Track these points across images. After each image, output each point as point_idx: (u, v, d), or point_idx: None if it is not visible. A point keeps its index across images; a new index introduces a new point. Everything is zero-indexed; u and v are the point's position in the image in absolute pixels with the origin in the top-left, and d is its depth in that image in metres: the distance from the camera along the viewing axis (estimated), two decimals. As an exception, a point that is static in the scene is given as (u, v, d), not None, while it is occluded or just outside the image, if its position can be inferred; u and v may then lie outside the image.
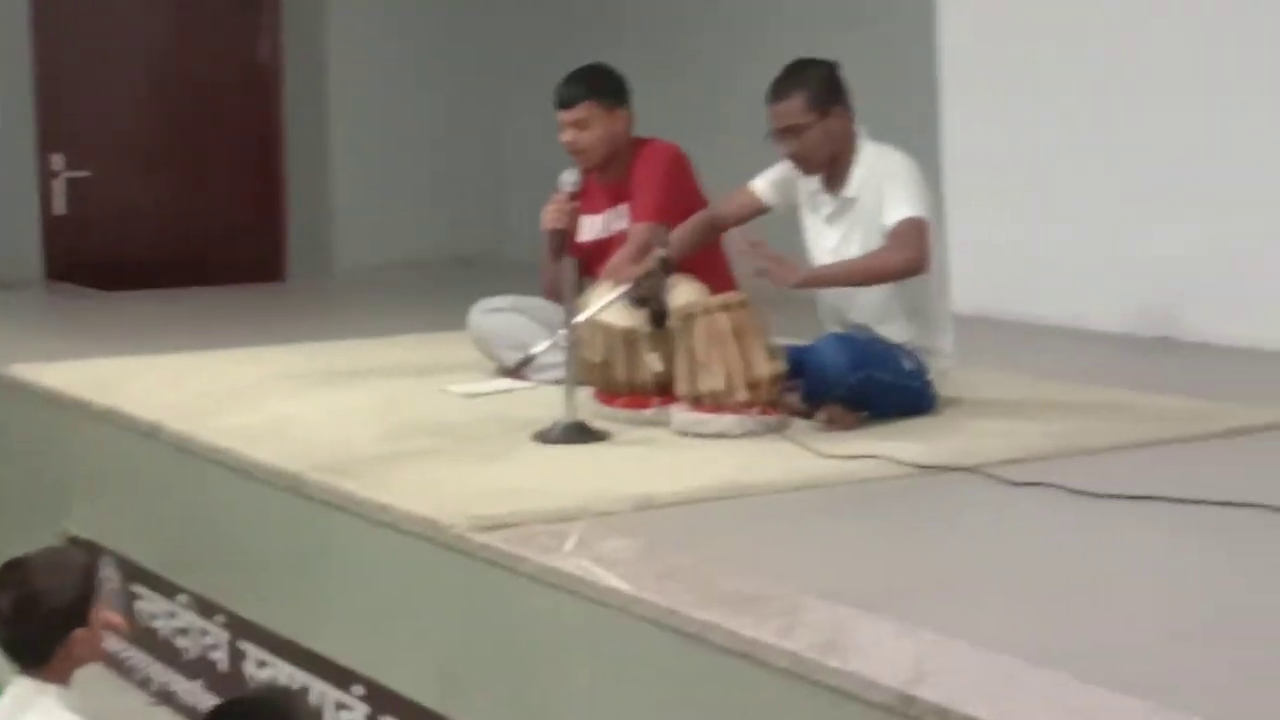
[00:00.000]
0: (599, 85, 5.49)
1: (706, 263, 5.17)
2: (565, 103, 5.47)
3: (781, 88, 4.82)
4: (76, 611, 3.19)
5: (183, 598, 4.95)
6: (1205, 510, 3.75)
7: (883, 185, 4.73)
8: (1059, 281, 6.97)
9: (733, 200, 5.10)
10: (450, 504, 3.86)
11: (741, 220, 5.07)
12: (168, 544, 5.09)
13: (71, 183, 9.66)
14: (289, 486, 4.36)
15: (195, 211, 10.07)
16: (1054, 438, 4.54)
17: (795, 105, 4.77)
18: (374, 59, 10.21)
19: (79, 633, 3.19)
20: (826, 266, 4.79)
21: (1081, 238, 6.89)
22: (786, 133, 4.78)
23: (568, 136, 5.46)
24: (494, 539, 3.64)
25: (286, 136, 10.29)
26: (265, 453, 4.56)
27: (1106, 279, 6.77)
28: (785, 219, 5.03)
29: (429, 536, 3.80)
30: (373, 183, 10.22)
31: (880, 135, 4.91)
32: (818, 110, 4.77)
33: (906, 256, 4.63)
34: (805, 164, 4.83)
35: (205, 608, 4.82)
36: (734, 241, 4.62)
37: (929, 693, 2.64)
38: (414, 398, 5.32)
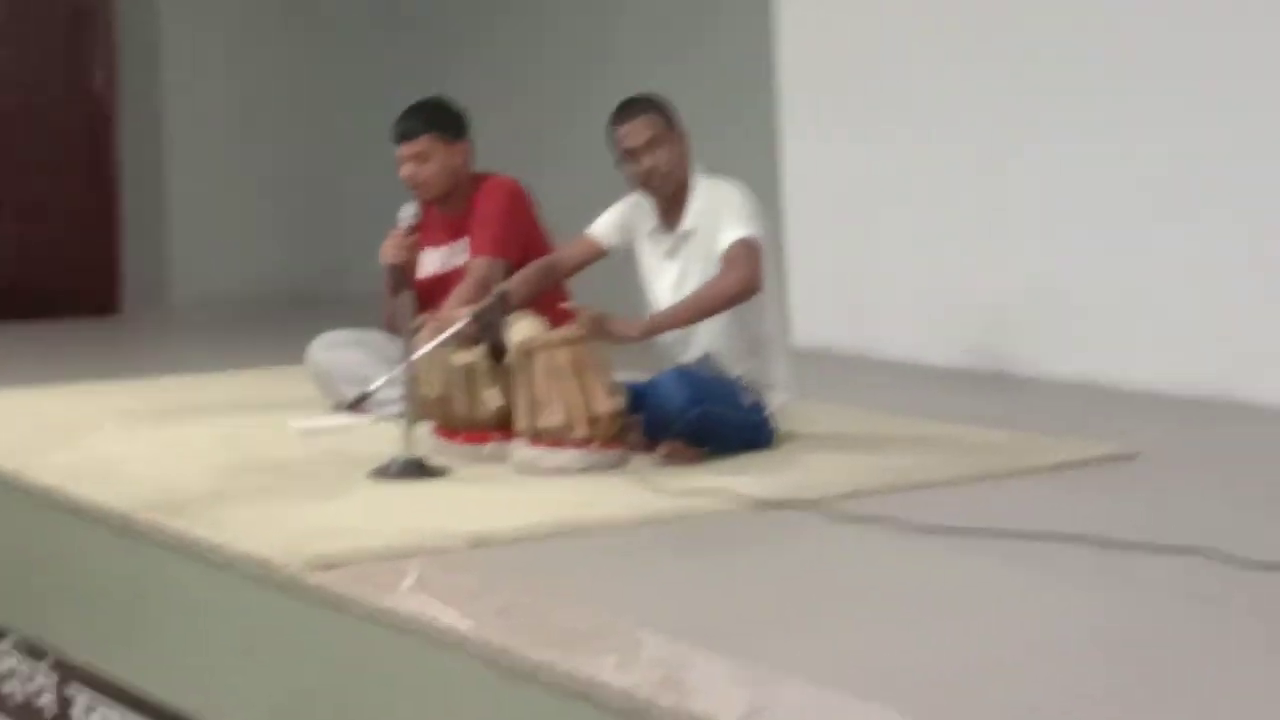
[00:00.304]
0: (438, 119, 5.48)
1: (548, 299, 5.17)
2: (404, 136, 5.45)
3: (629, 109, 4.88)
4: None
5: (9, 639, 4.83)
6: (1035, 543, 3.81)
7: (718, 215, 4.78)
8: (896, 316, 7.07)
9: (572, 247, 5.14)
10: (284, 543, 3.80)
11: (581, 266, 5.12)
12: (-7, 585, 4.97)
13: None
14: (118, 525, 4.28)
15: (27, 243, 9.88)
16: (890, 472, 4.59)
17: (652, 120, 4.84)
18: (211, 90, 10.12)
19: None
20: (664, 312, 4.82)
21: (919, 273, 7.00)
22: (647, 147, 4.81)
23: (407, 170, 5.44)
24: (329, 578, 3.59)
25: (121, 167, 10.14)
26: (94, 491, 4.47)
27: (943, 315, 6.88)
28: (623, 265, 5.05)
29: (263, 576, 3.74)
30: (210, 214, 10.11)
31: (720, 169, 4.97)
32: (670, 128, 4.83)
33: (740, 277, 4.68)
34: (665, 179, 4.85)
35: (32, 650, 4.71)
36: (571, 327, 4.65)
37: (763, 729, 2.65)
38: (250, 434, 5.26)
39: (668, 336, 4.90)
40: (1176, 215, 6.08)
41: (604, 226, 5.06)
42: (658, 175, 4.85)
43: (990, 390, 6.36)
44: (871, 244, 7.21)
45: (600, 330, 4.63)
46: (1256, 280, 5.85)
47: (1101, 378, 6.20)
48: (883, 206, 7.16)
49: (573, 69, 9.00)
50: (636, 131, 4.83)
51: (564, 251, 5.18)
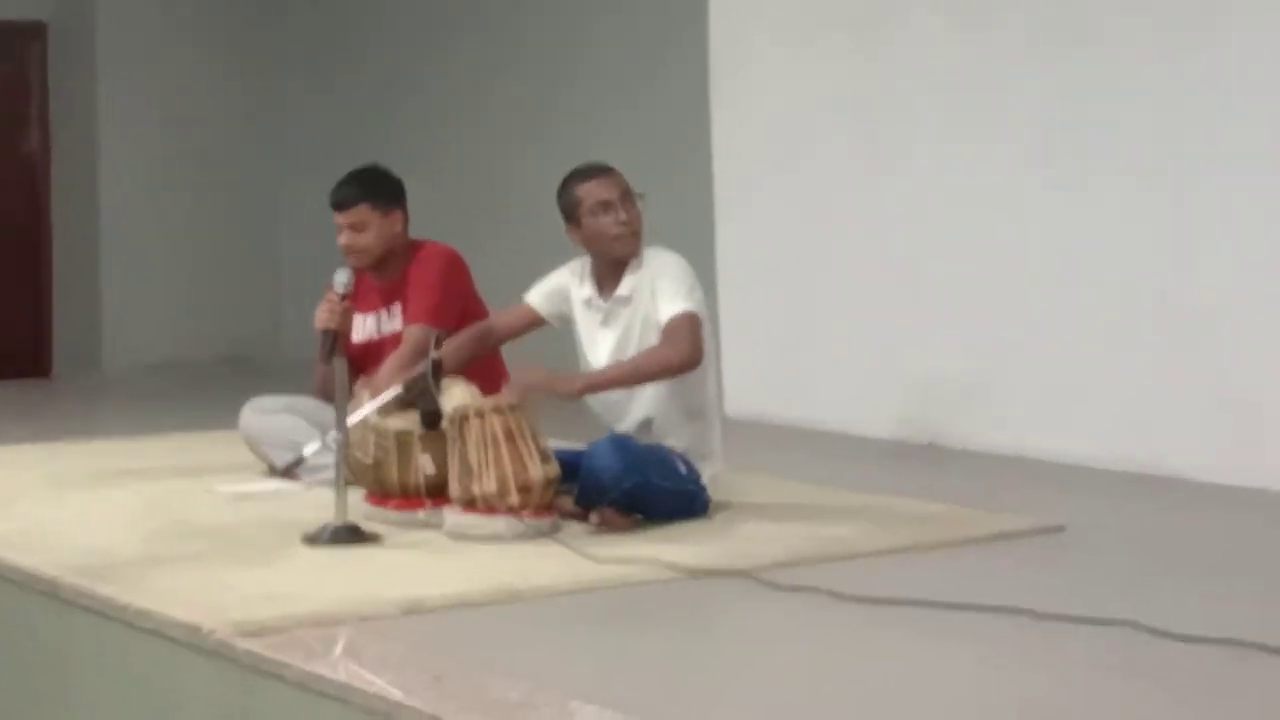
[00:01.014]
0: (374, 187, 5.50)
1: (483, 365, 5.17)
2: (341, 205, 5.47)
3: (591, 168, 4.92)
4: None
5: (-69, 707, 4.75)
6: (965, 614, 3.83)
7: (656, 283, 4.81)
8: (829, 387, 7.11)
9: (508, 314, 5.16)
10: (214, 608, 3.77)
11: (516, 333, 5.15)
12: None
13: None
14: (45, 591, 4.23)
15: (-43, 305, 9.80)
16: (822, 542, 4.60)
17: (618, 178, 4.89)
18: (146, 153, 10.09)
19: None
20: (604, 370, 4.83)
21: (852, 345, 7.04)
22: (616, 202, 4.84)
23: (344, 239, 5.46)
24: (258, 645, 3.56)
25: (54, 229, 10.08)
26: (22, 556, 4.42)
27: (875, 387, 6.92)
28: (563, 331, 5.07)
29: (191, 643, 3.71)
30: (143, 278, 10.06)
31: (657, 238, 4.99)
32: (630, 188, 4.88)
33: (681, 352, 4.70)
34: (631, 239, 4.86)
35: (-45, 717, 4.64)
36: (505, 394, 4.65)
37: (694, 799, 2.64)
38: (180, 499, 5.23)
39: (603, 403, 4.91)
40: (1100, 288, 6.15)
41: (539, 294, 5.08)
42: (634, 230, 4.87)
43: (921, 462, 6.39)
44: (805, 315, 7.26)
45: (537, 387, 4.62)
46: (1178, 355, 5.92)
47: (1030, 450, 6.25)
48: (817, 278, 7.21)
49: (509, 134, 9.03)
50: (613, 184, 4.87)
51: (500, 318, 5.19)
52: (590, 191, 4.88)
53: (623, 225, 4.86)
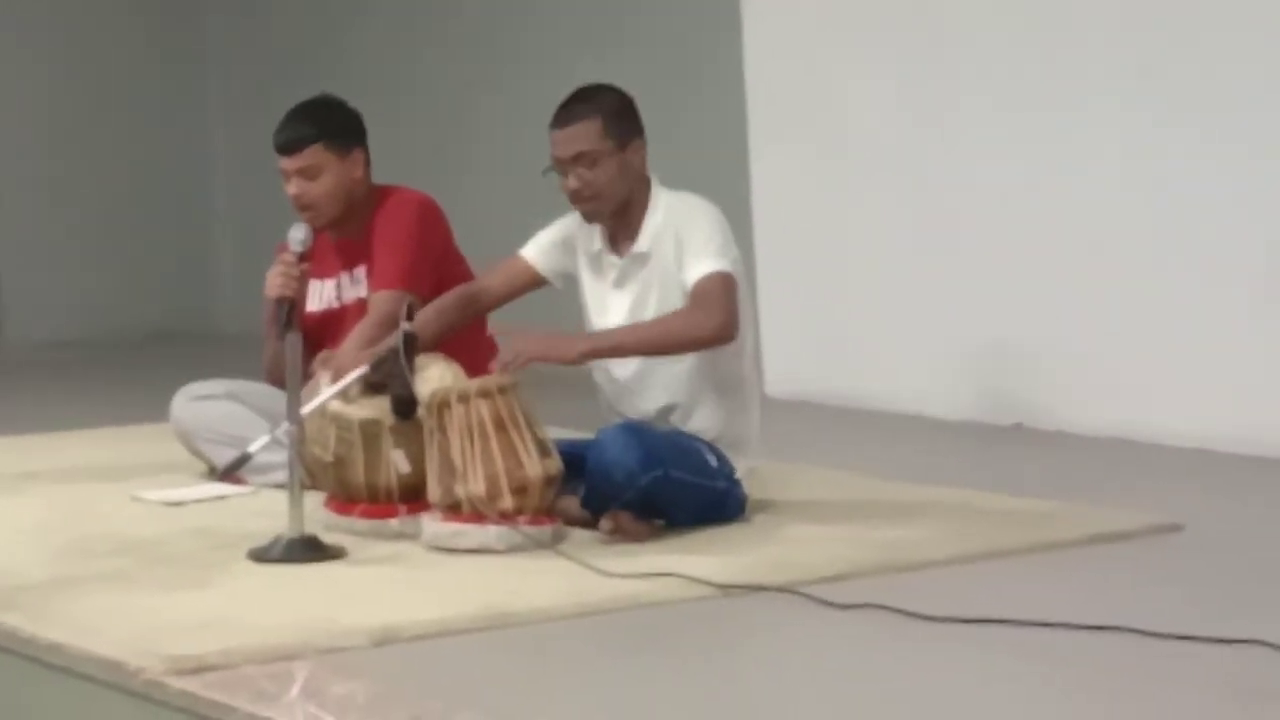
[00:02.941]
0: (329, 124, 5.49)
1: (466, 338, 5.19)
2: (288, 147, 5.45)
3: (571, 110, 4.88)
4: None
5: None
6: (1057, 634, 3.84)
7: (681, 236, 4.80)
8: (886, 360, 7.11)
9: (498, 272, 5.12)
10: (141, 641, 3.80)
11: (511, 295, 5.12)
12: None
13: None
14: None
15: None
16: (883, 549, 4.62)
17: (590, 129, 4.83)
18: (49, 92, 10.11)
19: None
20: (613, 331, 4.84)
21: (917, 308, 7.05)
22: (576, 162, 4.81)
23: (294, 189, 5.45)
24: (195, 684, 3.59)
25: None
26: (-93, 579, 4.46)
27: (947, 356, 6.93)
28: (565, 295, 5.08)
29: (113, 682, 3.73)
30: (46, 244, 10.09)
31: (684, 182, 4.99)
32: (615, 138, 4.83)
33: (713, 322, 4.70)
34: (594, 204, 4.86)
35: None
36: (494, 376, 4.66)
37: None
38: (99, 507, 5.27)
39: (614, 384, 4.92)
40: (1216, 241, 6.16)
41: (538, 247, 5.07)
42: (582, 199, 4.86)
43: (1005, 447, 6.41)
44: (858, 274, 7.27)
45: (533, 355, 4.63)
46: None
47: (1139, 433, 6.25)
48: (869, 236, 7.21)
49: (485, 55, 9.01)
50: (565, 141, 4.84)
51: (487, 279, 5.17)
52: (552, 146, 4.86)
53: (571, 192, 4.85)
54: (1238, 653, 3.68)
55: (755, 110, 7.56)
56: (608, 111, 4.87)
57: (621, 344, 4.80)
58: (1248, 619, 3.87)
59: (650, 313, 4.84)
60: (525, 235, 5.11)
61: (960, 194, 6.92)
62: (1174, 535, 4.86)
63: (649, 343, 4.78)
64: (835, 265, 7.35)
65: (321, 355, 5.12)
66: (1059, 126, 6.59)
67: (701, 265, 4.75)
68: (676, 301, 4.79)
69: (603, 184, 4.84)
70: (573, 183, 4.84)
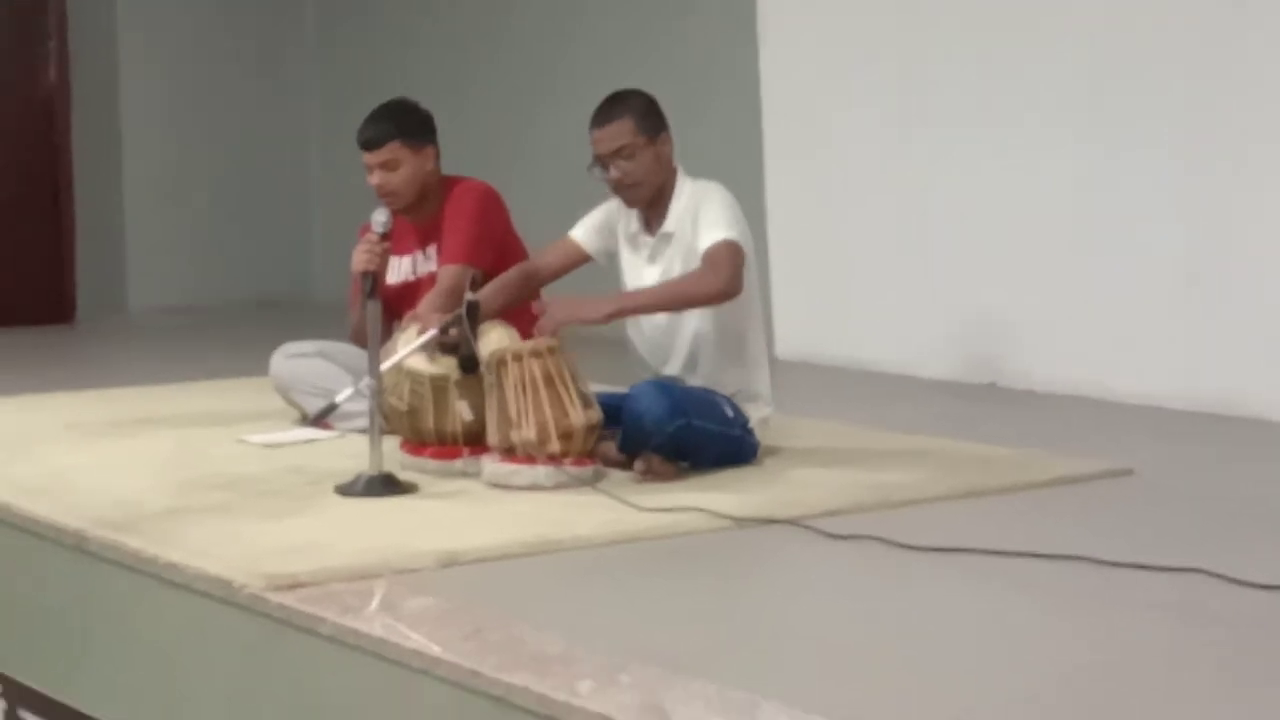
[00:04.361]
0: (405, 123, 5.47)
1: (522, 307, 5.16)
2: (370, 144, 5.44)
3: (607, 112, 4.85)
4: None
5: (-44, 664, 4.81)
6: (1028, 563, 3.82)
7: (698, 214, 4.79)
8: (882, 325, 7.09)
9: (551, 251, 5.10)
10: (244, 562, 3.79)
11: (563, 271, 5.10)
12: (-60, 606, 4.95)
13: None
14: (72, 544, 4.26)
15: (-23, 250, 9.87)
16: (875, 488, 4.60)
17: (624, 128, 4.81)
18: (169, 90, 10.12)
19: None
20: (637, 292, 4.82)
21: (905, 281, 7.02)
22: (615, 156, 4.80)
23: (376, 179, 5.43)
24: (291, 598, 3.58)
25: (75, 171, 10.12)
26: (47, 507, 4.45)
27: (932, 324, 6.91)
28: (608, 272, 5.05)
29: (221, 597, 3.73)
30: (170, 218, 10.11)
31: (700, 173, 4.97)
32: (647, 133, 4.82)
33: (720, 281, 4.68)
34: (633, 190, 4.85)
35: (-20, 674, 4.69)
36: (543, 339, 4.64)
37: (744, 756, 2.65)
38: (209, 448, 5.26)
39: (645, 344, 4.90)
40: (1170, 225, 6.12)
41: (585, 229, 5.05)
42: (624, 186, 4.85)
43: (982, 403, 6.38)
44: (857, 252, 7.24)
45: (567, 319, 4.62)
46: (1249, 291, 5.89)
47: (1096, 390, 6.23)
48: (868, 214, 7.19)
49: (537, 63, 8.99)
50: (606, 138, 4.82)
51: (542, 257, 5.15)
52: (591, 142, 4.85)
53: (614, 181, 4.83)
54: (1180, 579, 3.65)
55: (770, 123, 7.53)
56: (638, 110, 4.86)
57: (642, 303, 4.78)
58: (1188, 551, 3.84)
59: (676, 284, 4.83)
60: (573, 219, 5.09)
61: (940, 192, 6.91)
62: (1125, 479, 4.84)
63: (666, 300, 4.75)
64: (836, 250, 7.32)
65: (408, 316, 5.11)
66: (1022, 137, 6.59)
67: (711, 234, 4.73)
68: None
69: (640, 173, 4.82)
70: (614, 174, 4.82)
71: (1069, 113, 6.42)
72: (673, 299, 4.73)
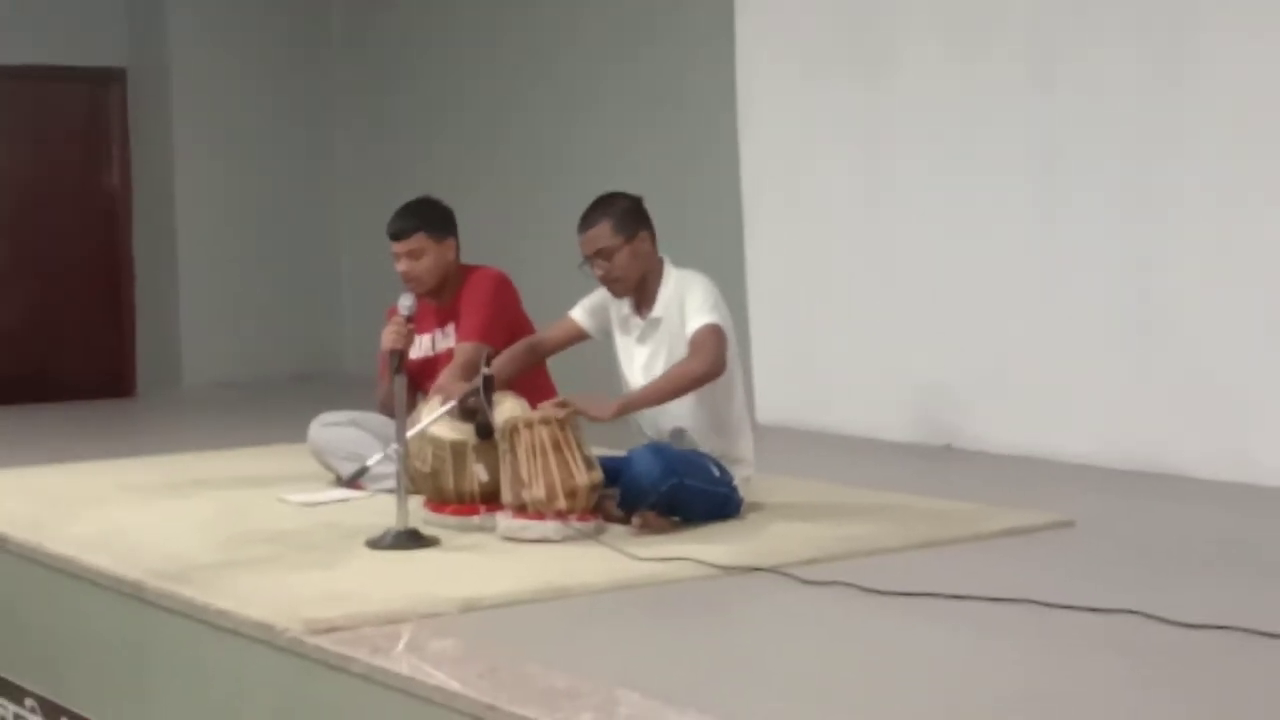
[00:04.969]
0: (429, 217, 5.51)
1: (530, 380, 5.19)
2: (398, 235, 5.48)
3: (589, 217, 4.90)
4: None
5: (30, 701, 4.78)
6: (980, 604, 3.82)
7: (685, 302, 4.81)
8: (850, 394, 7.10)
9: (555, 328, 5.15)
10: (285, 608, 3.79)
11: (562, 346, 5.13)
12: (15, 649, 4.93)
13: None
14: (131, 593, 4.25)
15: (47, 330, 9.91)
16: (847, 540, 4.59)
17: (603, 230, 4.84)
18: (218, 190, 10.18)
19: None
20: (635, 392, 4.83)
21: (871, 354, 7.03)
22: (597, 256, 4.84)
23: (402, 266, 5.47)
24: (327, 641, 3.58)
25: (135, 260, 10.17)
26: (107, 560, 4.45)
27: (894, 393, 6.91)
28: (603, 345, 5.08)
29: (265, 639, 3.72)
30: (219, 302, 10.14)
31: (688, 253, 5.00)
32: (624, 235, 4.84)
33: (706, 362, 4.70)
34: (616, 285, 4.88)
35: (51, 710, 4.67)
36: (546, 408, 4.66)
37: (730, 779, 2.64)
38: (253, 507, 5.25)
39: (642, 415, 4.91)
40: (1089, 296, 6.14)
41: (583, 310, 5.09)
42: (610, 280, 4.89)
43: (938, 463, 6.38)
44: (827, 329, 7.25)
45: (576, 409, 4.65)
46: (1164, 355, 5.90)
47: (1040, 450, 6.23)
48: (839, 295, 7.21)
49: (541, 159, 9.05)
50: (587, 242, 4.87)
51: (546, 332, 5.19)
52: (580, 247, 4.89)
53: (600, 277, 4.88)
54: (1116, 620, 3.66)
55: (749, 203, 7.55)
56: (616, 214, 4.87)
57: (644, 399, 4.78)
58: (1125, 593, 3.84)
59: (663, 362, 4.84)
60: (575, 297, 5.13)
61: (902, 262, 6.90)
62: (1067, 530, 4.83)
63: (662, 393, 4.75)
64: (810, 323, 7.33)
65: (432, 389, 5.12)
66: (972, 205, 6.57)
67: (697, 320, 4.75)
68: (682, 351, 4.78)
69: (618, 270, 4.85)
70: (597, 271, 4.87)
71: (1015, 189, 6.41)
72: (668, 389, 4.74)
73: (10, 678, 4.90)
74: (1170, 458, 5.82)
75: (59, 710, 4.62)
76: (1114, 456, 5.97)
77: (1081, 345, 6.19)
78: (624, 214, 4.88)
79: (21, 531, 4.91)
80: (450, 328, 5.52)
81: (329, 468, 5.62)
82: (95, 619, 4.48)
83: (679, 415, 4.86)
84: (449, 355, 5.44)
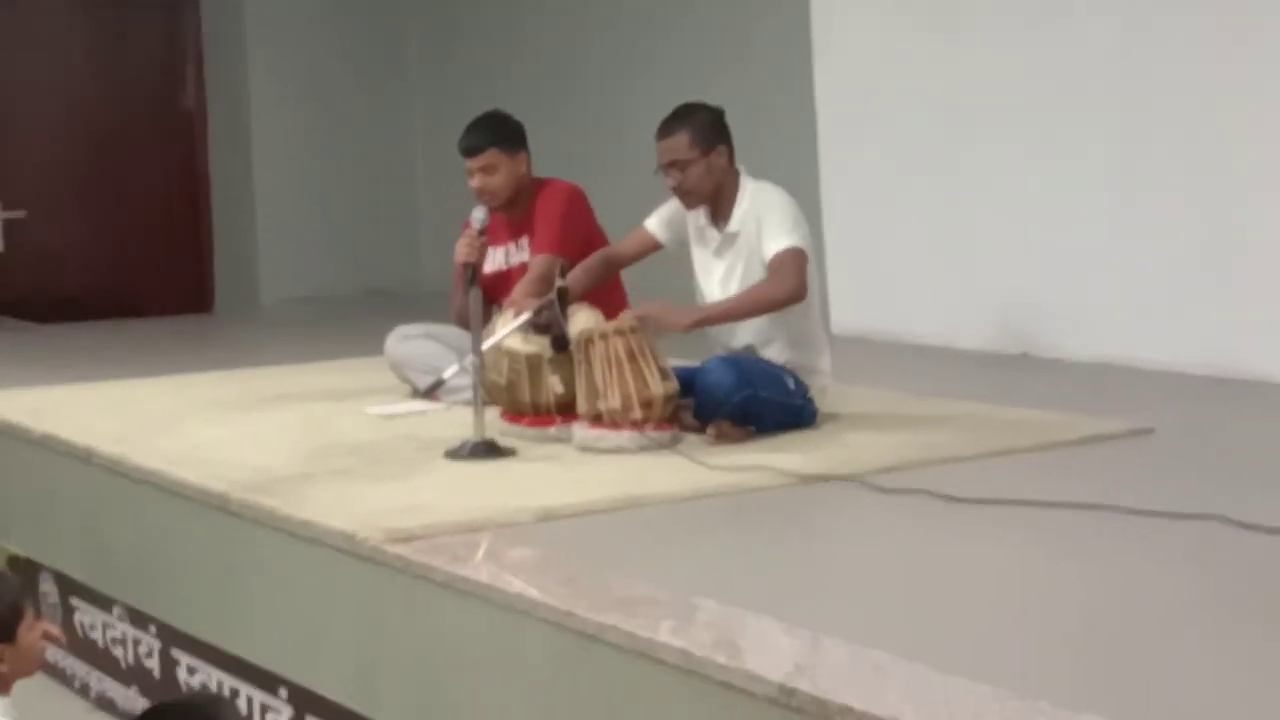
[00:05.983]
0: (501, 132, 5.48)
1: (605, 291, 5.17)
2: (471, 150, 5.45)
3: (668, 126, 4.84)
4: (3, 630, 3.10)
5: (117, 609, 4.87)
6: (1060, 512, 3.79)
7: (762, 219, 4.75)
8: (928, 304, 7.04)
9: (629, 239, 5.10)
10: (366, 518, 3.82)
11: (637, 257, 5.09)
12: (102, 560, 5.01)
13: (7, 224, 9.54)
14: (215, 505, 4.31)
15: (126, 248, 9.99)
16: (924, 448, 4.56)
17: (680, 141, 4.79)
18: (294, 104, 10.18)
19: (4, 649, 3.09)
20: (713, 305, 4.80)
21: (947, 265, 6.97)
22: (672, 167, 4.79)
23: (476, 181, 5.45)
24: (406, 550, 3.61)
25: (211, 177, 10.23)
26: (192, 473, 4.50)
27: (970, 301, 6.85)
28: (678, 257, 5.04)
29: (346, 549, 3.76)
30: (295, 220, 10.17)
31: (763, 171, 4.93)
32: (700, 148, 4.79)
33: (787, 287, 4.65)
34: (688, 197, 4.84)
35: (138, 618, 4.75)
36: (625, 318, 4.64)
37: (807, 685, 2.65)
38: (333, 420, 5.28)
39: (719, 329, 4.88)
40: (1187, 209, 6.05)
41: (657, 220, 5.03)
42: (682, 191, 4.83)
43: (1014, 371, 6.32)
44: (904, 237, 7.19)
45: (653, 320, 4.62)
46: (1259, 268, 5.82)
47: (1119, 359, 6.16)
48: (914, 202, 7.14)
49: (618, 78, 8.99)
50: (664, 151, 4.81)
51: (621, 245, 5.15)
52: (657, 154, 4.83)
53: (673, 188, 4.82)
54: (1197, 525, 3.62)
55: (824, 122, 7.48)
56: (695, 125, 4.81)
57: (721, 314, 4.75)
58: (1207, 500, 3.80)
59: (738, 278, 4.79)
60: (647, 214, 5.09)
61: (978, 181, 6.82)
62: (1147, 437, 4.78)
63: (741, 311, 4.72)
64: (885, 236, 7.27)
65: (505, 302, 5.12)
66: (1056, 130, 6.48)
67: (777, 242, 4.69)
68: (759, 270, 4.72)
69: (692, 183, 4.80)
70: (670, 181, 4.82)
71: (1098, 110, 6.33)
72: (747, 308, 4.70)
73: (98, 587, 4.98)
74: (1250, 363, 5.74)
75: (146, 619, 4.70)
76: (1193, 363, 5.89)
77: (1160, 252, 6.10)
78: (703, 126, 4.82)
79: (107, 446, 4.98)
80: (524, 241, 5.51)
81: (406, 380, 5.64)
82: (181, 531, 4.54)
83: (754, 330, 4.82)
84: (523, 269, 5.43)
